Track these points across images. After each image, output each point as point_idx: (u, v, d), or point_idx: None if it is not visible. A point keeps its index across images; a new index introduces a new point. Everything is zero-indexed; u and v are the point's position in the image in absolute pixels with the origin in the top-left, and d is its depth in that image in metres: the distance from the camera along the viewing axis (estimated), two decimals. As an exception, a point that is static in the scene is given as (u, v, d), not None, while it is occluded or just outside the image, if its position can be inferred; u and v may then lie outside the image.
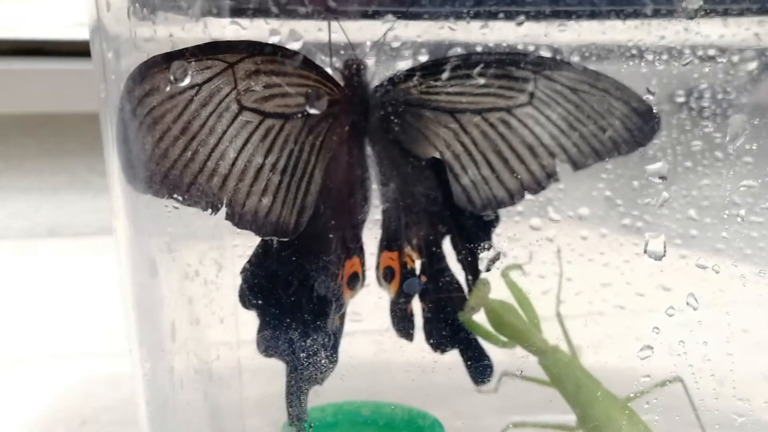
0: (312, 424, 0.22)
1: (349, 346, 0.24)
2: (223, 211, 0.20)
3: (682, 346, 0.21)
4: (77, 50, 0.73)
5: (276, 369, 0.23)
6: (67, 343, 0.47)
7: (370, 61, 0.22)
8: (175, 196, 0.19)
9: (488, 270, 0.23)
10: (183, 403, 0.20)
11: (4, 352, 0.45)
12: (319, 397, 0.23)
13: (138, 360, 0.16)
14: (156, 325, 0.18)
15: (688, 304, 0.21)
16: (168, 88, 0.18)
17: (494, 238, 0.24)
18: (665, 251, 0.20)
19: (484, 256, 0.22)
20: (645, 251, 0.21)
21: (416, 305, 0.25)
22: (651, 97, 0.22)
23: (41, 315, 0.54)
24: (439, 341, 0.25)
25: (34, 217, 0.81)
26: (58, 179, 0.81)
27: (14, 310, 0.56)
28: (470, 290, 0.24)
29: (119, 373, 0.40)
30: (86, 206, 0.81)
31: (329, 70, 0.22)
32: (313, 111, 0.20)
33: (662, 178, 0.21)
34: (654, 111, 0.23)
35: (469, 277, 0.24)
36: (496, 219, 0.24)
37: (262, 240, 0.22)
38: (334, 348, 0.23)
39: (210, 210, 0.20)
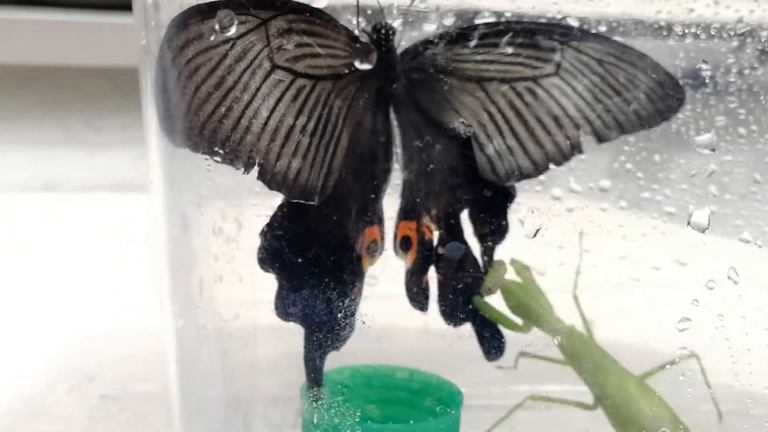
0: (348, 385, 0.22)
1: (364, 309, 0.24)
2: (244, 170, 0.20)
3: (721, 320, 0.21)
4: (77, 1, 0.72)
5: (289, 329, 0.23)
6: (65, 299, 0.47)
7: (397, 26, 0.22)
8: (213, 150, 0.19)
9: (534, 237, 0.23)
10: (207, 361, 0.20)
11: (2, 310, 0.45)
12: (333, 359, 0.23)
13: (170, 316, 0.16)
14: (187, 281, 0.18)
15: (729, 278, 0.21)
16: (206, 39, 0.18)
17: (515, 207, 0.24)
18: (709, 224, 0.20)
19: (530, 224, 0.22)
20: (688, 223, 0.21)
21: (432, 276, 0.25)
22: (704, 66, 0.22)
23: (39, 270, 0.54)
24: (453, 314, 0.25)
25: (29, 171, 0.81)
26: (54, 133, 0.80)
27: (11, 264, 0.55)
28: (485, 263, 0.25)
29: (122, 330, 0.40)
30: (82, 162, 0.80)
31: (357, 33, 0.21)
32: (364, 66, 0.20)
33: (712, 150, 0.21)
34: (680, 84, 0.23)
35: (485, 253, 0.25)
36: (513, 193, 0.24)
37: (283, 203, 0.22)
38: (352, 314, 0.23)
39: (243, 169, 0.19)
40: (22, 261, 0.56)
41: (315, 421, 0.20)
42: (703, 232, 0.20)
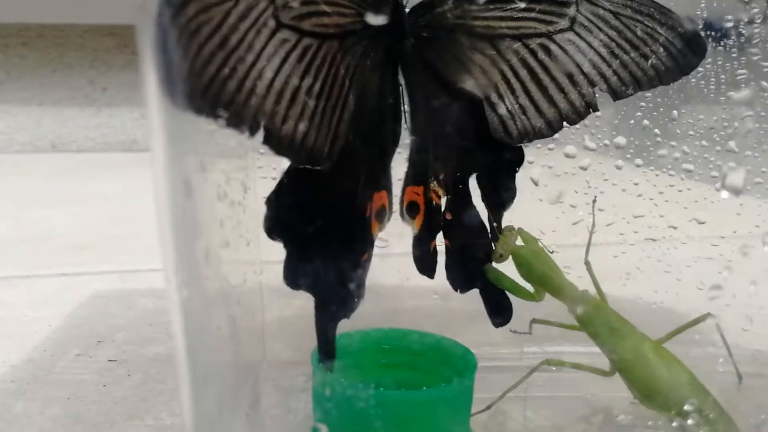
0: (359, 350, 0.21)
1: (373, 271, 0.23)
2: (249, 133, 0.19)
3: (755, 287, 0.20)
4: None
5: (296, 292, 0.22)
6: (73, 261, 0.46)
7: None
8: (216, 113, 0.18)
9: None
10: (215, 330, 0.20)
11: (10, 269, 0.45)
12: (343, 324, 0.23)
13: (175, 288, 0.16)
14: (192, 250, 0.17)
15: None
16: None
17: (526, 165, 0.24)
18: (744, 186, 0.19)
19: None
20: (722, 185, 0.20)
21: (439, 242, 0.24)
22: (727, 17, 0.21)
23: (46, 231, 0.53)
24: (459, 280, 0.24)
25: (35, 131, 0.80)
26: (60, 93, 0.79)
27: (19, 224, 0.55)
28: (492, 229, 0.24)
29: (130, 291, 0.40)
30: (88, 121, 0.80)
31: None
32: (376, 21, 0.19)
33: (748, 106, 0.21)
34: (701, 36, 0.22)
35: (494, 218, 0.24)
36: (523, 154, 0.23)
37: (289, 169, 0.21)
38: (362, 280, 0.22)
39: (248, 133, 0.19)
40: (29, 221, 0.56)
41: (328, 394, 0.20)
42: (738, 195, 0.19)
